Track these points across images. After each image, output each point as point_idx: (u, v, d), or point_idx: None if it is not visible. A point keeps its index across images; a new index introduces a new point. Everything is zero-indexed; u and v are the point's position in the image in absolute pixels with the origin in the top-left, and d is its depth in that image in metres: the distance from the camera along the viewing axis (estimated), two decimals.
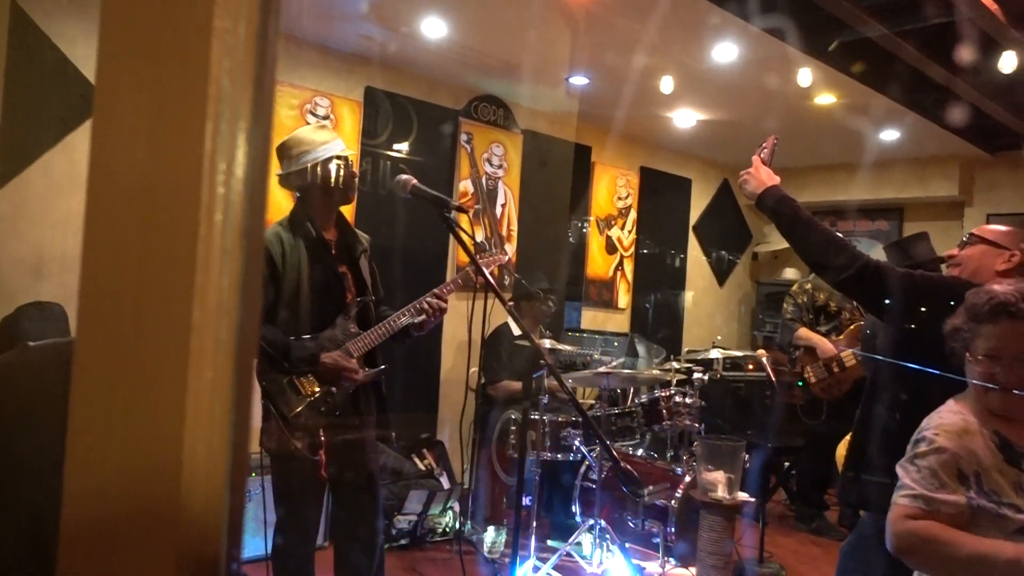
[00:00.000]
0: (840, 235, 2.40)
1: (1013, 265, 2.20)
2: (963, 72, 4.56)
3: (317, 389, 2.77)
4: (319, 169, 2.77)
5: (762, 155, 2.47)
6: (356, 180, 2.91)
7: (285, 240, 2.75)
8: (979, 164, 6.61)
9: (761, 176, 2.41)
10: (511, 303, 5.17)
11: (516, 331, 4.93)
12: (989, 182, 6.64)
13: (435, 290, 2.92)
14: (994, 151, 6.37)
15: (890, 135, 6.11)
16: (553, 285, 5.21)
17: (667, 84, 4.93)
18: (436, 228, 2.95)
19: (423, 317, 2.85)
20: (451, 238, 2.73)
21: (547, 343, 4.33)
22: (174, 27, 0.48)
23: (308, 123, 4.54)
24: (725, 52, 4.46)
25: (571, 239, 6.32)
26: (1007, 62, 4.03)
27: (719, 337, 6.67)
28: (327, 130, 2.91)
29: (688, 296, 7.47)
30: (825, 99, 5.28)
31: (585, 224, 6.46)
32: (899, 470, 1.83)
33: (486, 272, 2.48)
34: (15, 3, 3.72)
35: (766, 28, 4.04)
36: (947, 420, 1.84)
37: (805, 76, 4.73)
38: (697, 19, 3.97)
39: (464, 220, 2.84)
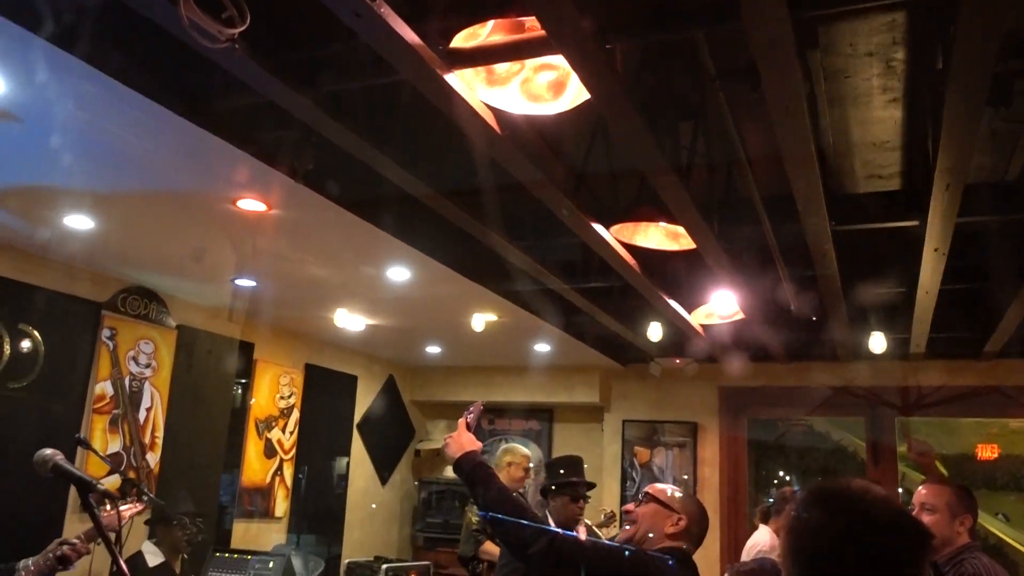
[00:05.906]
0: (527, 506, 2.39)
1: (680, 529, 2.37)
2: (599, 302, 5.10)
3: None
4: None
5: (468, 419, 2.50)
6: None
7: None
8: (615, 375, 7.37)
9: (462, 441, 2.42)
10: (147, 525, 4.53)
11: (153, 561, 4.28)
12: (623, 391, 7.40)
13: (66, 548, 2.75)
14: (625, 364, 7.16)
15: (542, 347, 6.60)
16: (200, 509, 4.64)
17: (342, 317, 4.92)
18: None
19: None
20: (71, 487, 2.38)
21: None
22: None
23: None
24: (397, 273, 4.54)
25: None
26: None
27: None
28: None
29: (349, 499, 7.17)
30: (488, 316, 5.58)
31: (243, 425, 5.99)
32: None
33: (117, 555, 2.06)
34: None
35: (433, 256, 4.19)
36: None
37: (469, 295, 4.97)
38: (370, 241, 3.99)
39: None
